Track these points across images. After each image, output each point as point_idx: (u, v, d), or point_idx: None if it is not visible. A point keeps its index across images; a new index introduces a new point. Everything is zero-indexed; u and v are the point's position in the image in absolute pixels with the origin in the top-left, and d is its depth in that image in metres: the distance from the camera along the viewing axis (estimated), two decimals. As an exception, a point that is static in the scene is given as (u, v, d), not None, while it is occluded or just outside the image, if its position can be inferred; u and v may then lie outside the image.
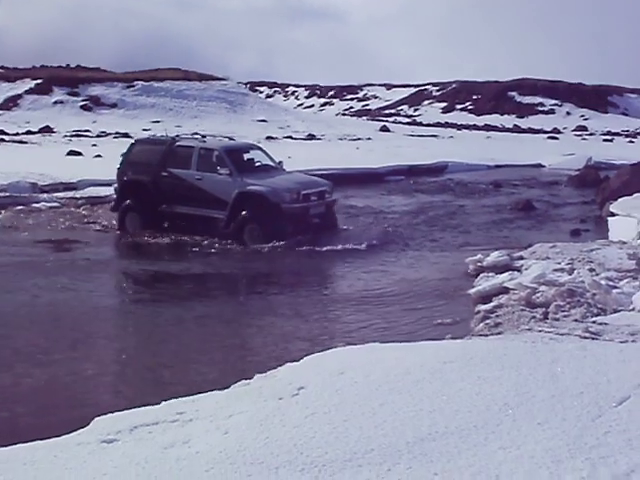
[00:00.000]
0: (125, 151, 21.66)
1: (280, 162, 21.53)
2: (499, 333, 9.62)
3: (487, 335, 9.60)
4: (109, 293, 15.09)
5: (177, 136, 22.58)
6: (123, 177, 20.93)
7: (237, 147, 22.15)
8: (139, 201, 20.27)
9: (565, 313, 10.17)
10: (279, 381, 7.22)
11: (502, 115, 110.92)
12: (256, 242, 18.27)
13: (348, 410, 6.27)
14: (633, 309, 10.24)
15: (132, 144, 22.00)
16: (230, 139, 25.04)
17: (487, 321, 10.46)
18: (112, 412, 6.47)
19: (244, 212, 18.62)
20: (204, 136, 23.10)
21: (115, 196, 21.38)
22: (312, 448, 5.52)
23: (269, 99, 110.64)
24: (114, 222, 21.17)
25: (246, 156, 21.10)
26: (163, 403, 6.66)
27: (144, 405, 6.65)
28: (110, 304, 14.05)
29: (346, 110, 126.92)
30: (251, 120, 67.59)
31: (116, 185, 21.32)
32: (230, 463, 5.28)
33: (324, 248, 18.04)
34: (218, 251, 18.29)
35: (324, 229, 19.86)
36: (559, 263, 13.08)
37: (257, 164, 20.96)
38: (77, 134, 52.19)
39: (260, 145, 23.49)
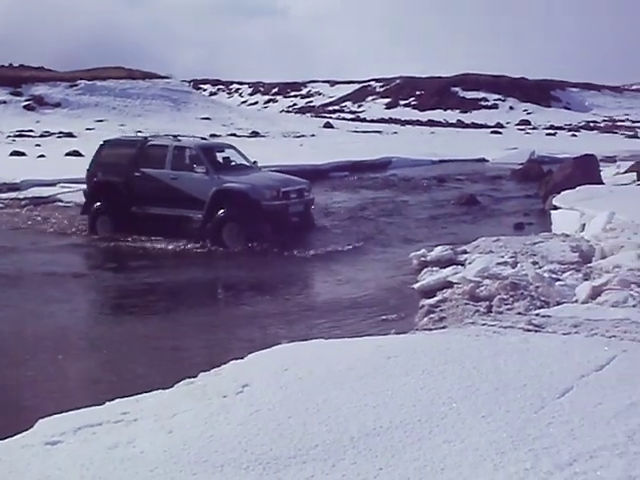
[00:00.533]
0: (95, 152, 20.99)
1: (255, 162, 21.15)
2: (443, 327, 9.64)
3: (431, 329, 9.62)
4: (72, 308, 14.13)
5: (151, 136, 22.41)
6: (93, 179, 20.32)
7: (212, 146, 21.89)
8: (110, 203, 19.67)
9: (508, 306, 10.23)
10: (223, 379, 7.19)
11: (446, 110, 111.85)
12: (235, 243, 17.79)
13: (292, 407, 6.25)
14: (576, 301, 10.34)
15: (102, 145, 21.20)
16: (203, 139, 24.67)
17: (431, 315, 10.49)
18: (56, 414, 6.39)
19: (222, 211, 18.09)
20: (176, 135, 22.22)
21: (84, 198, 20.63)
22: (256, 445, 5.49)
23: (213, 97, 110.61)
24: (68, 223, 20.95)
25: (221, 155, 20.74)
26: (107, 403, 6.58)
27: (88, 406, 6.57)
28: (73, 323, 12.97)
29: (290, 107, 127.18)
30: (195, 118, 67.54)
31: (85, 187, 20.73)
32: (174, 462, 5.25)
33: (311, 252, 17.44)
34: (196, 255, 17.73)
35: (302, 228, 19.60)
36: (502, 257, 13.16)
37: (233, 163, 20.62)
38: (20, 134, 51.85)
39: (234, 144, 23.01)
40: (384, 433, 5.70)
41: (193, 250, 18.02)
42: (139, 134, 25.33)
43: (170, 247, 18.15)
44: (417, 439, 5.58)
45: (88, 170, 20.55)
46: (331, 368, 7.23)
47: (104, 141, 21.83)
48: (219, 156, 20.48)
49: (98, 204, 19.83)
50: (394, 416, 5.99)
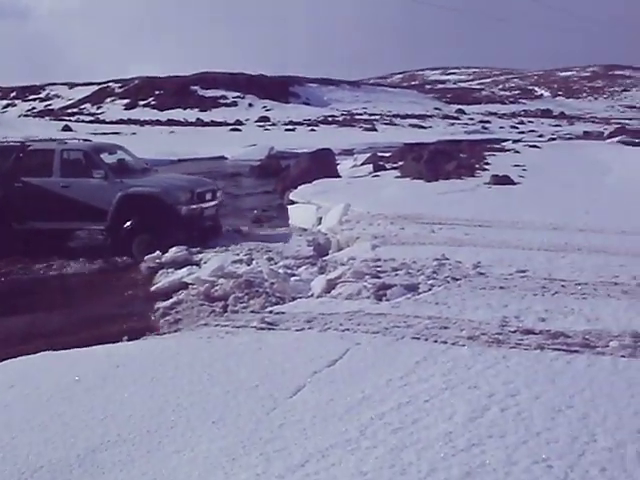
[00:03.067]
0: None
1: (147, 163, 19.07)
2: (177, 330, 9.45)
3: (164, 333, 9.40)
4: None
5: (29, 141, 18.97)
6: None
7: (105, 147, 18.75)
8: None
9: (244, 304, 10.15)
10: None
11: (185, 109, 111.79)
12: (144, 253, 14.97)
13: (17, 427, 5.95)
14: (311, 295, 10.37)
15: None
16: (86, 140, 20.74)
17: (167, 318, 10.23)
18: None
19: (131, 220, 15.80)
20: (55, 139, 19.30)
21: None
22: (-24, 473, 5.15)
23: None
24: None
25: (115, 157, 18.01)
26: None
27: None
28: None
29: (29, 111, 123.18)
30: None
31: None
32: None
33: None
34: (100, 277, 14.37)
35: (213, 234, 17.33)
36: (238, 254, 13.11)
37: (129, 165, 17.91)
38: None
39: (122, 145, 20.48)
40: (112, 447, 5.52)
41: (96, 269, 14.94)
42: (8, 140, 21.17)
43: (70, 270, 14.89)
44: (146, 451, 5.43)
45: None
46: (58, 381, 6.94)
47: None
48: (112, 158, 17.80)
49: None
50: (122, 428, 5.80)
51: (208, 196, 17.05)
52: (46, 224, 16.65)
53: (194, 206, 16.23)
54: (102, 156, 17.14)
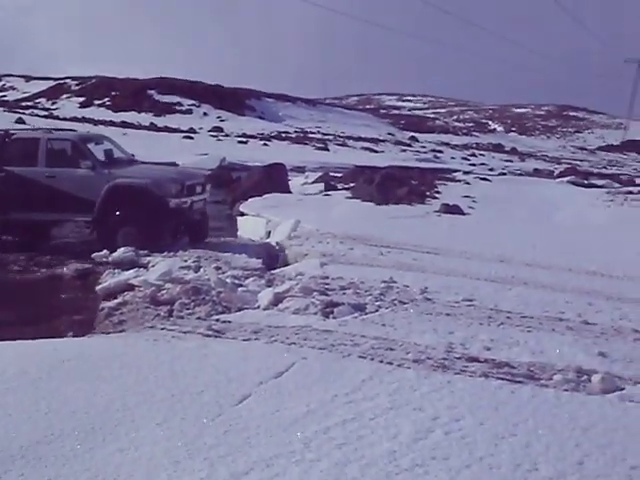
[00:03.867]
0: None
1: (132, 155, 18.39)
2: (122, 331, 9.41)
3: (109, 333, 9.36)
4: None
5: (12, 129, 17.91)
6: None
7: (92, 137, 18.19)
8: None
9: (190, 311, 10.12)
10: None
11: (140, 113, 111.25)
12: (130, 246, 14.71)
13: (-43, 414, 5.87)
14: (258, 307, 10.38)
15: None
16: (71, 130, 20.26)
17: (111, 318, 10.17)
18: None
19: (118, 211, 15.46)
20: (39, 128, 18.61)
21: None
22: None
23: None
24: None
25: (102, 147, 17.26)
26: None
27: None
28: None
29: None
30: None
31: None
32: None
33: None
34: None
35: (200, 228, 17.39)
36: (186, 261, 13.07)
37: (116, 156, 17.26)
38: None
39: (107, 135, 19.54)
40: (55, 441, 5.50)
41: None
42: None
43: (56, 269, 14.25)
44: (89, 447, 5.42)
45: None
46: (3, 372, 6.87)
47: None
48: (99, 149, 17.02)
49: None
50: (66, 423, 5.78)
51: (198, 189, 16.80)
52: (30, 215, 16.34)
53: (184, 199, 15.96)
54: (93, 146, 16.77)
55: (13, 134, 16.93)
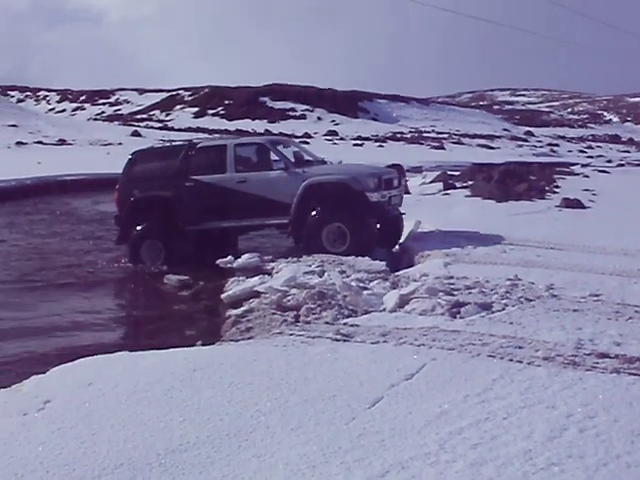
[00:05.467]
0: (124, 167, 17.33)
1: (323, 158, 18.04)
2: (250, 338, 9.51)
3: (238, 340, 9.46)
4: None
5: (195, 139, 18.77)
6: (128, 198, 16.74)
7: (279, 140, 18.88)
8: (158, 224, 16.46)
9: (316, 316, 10.13)
10: (24, 395, 6.91)
11: (254, 120, 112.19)
12: (336, 247, 14.89)
13: (96, 423, 6.04)
14: (384, 309, 10.35)
15: (132, 157, 17.48)
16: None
17: (238, 326, 10.29)
18: None
19: (316, 210, 15.24)
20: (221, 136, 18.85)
21: (117, 225, 17.24)
22: (59, 466, 5.27)
23: (20, 104, 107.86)
24: None
25: (290, 150, 17.22)
26: None
27: None
28: None
29: (98, 115, 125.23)
30: (1, 125, 65.59)
31: (117, 211, 17.26)
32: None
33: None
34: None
35: (397, 226, 16.88)
36: (310, 266, 13.09)
37: (305, 158, 17.11)
38: None
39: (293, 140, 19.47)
40: (191, 449, 5.56)
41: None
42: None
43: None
44: (226, 454, 5.46)
45: (118, 189, 17.20)
46: (136, 382, 7.03)
47: (134, 152, 17.98)
48: (288, 151, 16.94)
49: (141, 227, 16.48)
50: (201, 431, 5.85)
51: (395, 182, 16.42)
52: (222, 223, 16.34)
53: (384, 192, 15.57)
54: (282, 148, 16.79)
55: (197, 144, 17.03)
